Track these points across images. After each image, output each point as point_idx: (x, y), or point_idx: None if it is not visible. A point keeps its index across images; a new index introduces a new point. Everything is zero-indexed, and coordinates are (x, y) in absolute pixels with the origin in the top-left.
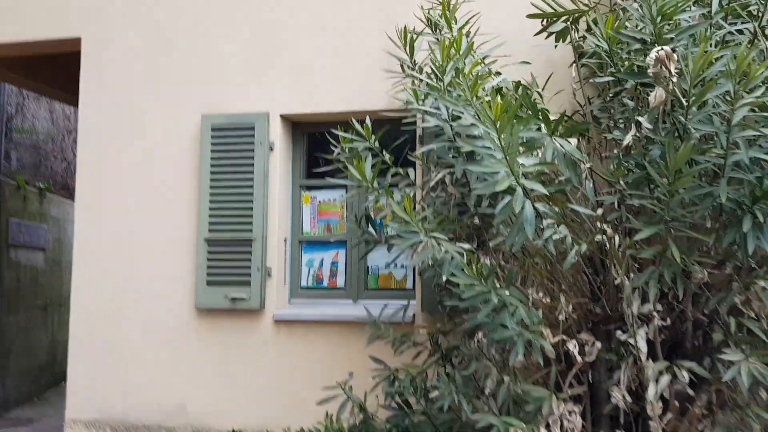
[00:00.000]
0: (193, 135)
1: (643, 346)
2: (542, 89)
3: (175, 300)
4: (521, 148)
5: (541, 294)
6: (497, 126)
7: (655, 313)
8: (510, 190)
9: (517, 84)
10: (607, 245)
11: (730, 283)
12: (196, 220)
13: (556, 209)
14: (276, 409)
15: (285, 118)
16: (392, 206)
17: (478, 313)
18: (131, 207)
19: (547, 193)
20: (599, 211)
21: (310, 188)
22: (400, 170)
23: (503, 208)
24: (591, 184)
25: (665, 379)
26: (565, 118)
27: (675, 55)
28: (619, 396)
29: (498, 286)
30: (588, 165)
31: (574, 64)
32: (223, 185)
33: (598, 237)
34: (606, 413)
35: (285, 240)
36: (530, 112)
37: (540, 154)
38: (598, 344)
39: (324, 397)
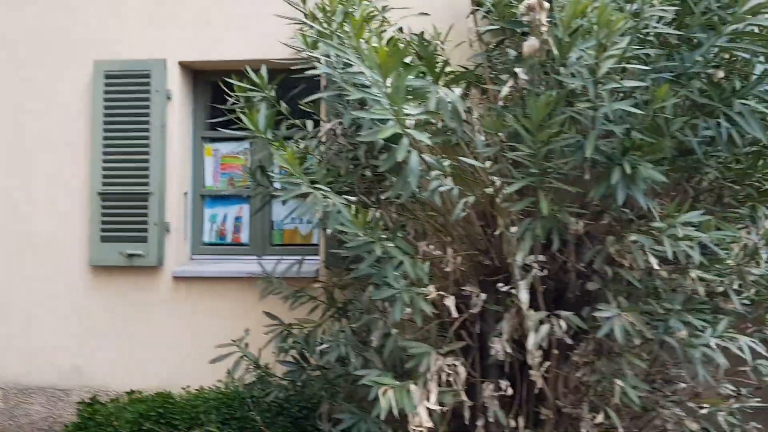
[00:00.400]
0: (85, 83)
1: (524, 297)
2: (443, 40)
3: (68, 257)
4: (409, 97)
5: (432, 246)
6: (383, 71)
7: (534, 264)
8: (395, 139)
9: (420, 35)
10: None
11: (608, 235)
12: (89, 172)
13: (446, 162)
14: (175, 368)
15: (184, 66)
16: (276, 157)
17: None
18: (19, 159)
19: (430, 143)
20: (488, 164)
21: (212, 140)
22: (297, 121)
23: (388, 157)
24: (482, 136)
25: (544, 328)
26: (462, 68)
27: (546, 4)
28: (498, 347)
29: (384, 237)
30: (476, 116)
31: (471, 15)
32: (117, 136)
33: (488, 189)
34: (492, 363)
35: (185, 194)
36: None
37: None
38: (483, 296)
39: (218, 355)
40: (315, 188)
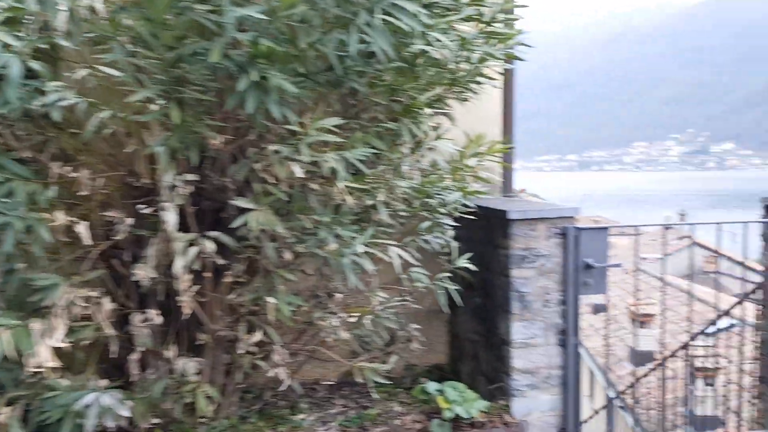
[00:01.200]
0: None
1: (170, 219)
2: None
3: None
4: None
5: (69, 168)
6: None
7: (179, 183)
8: None
9: None
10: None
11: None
12: None
13: (85, 71)
14: None
15: None
16: None
17: None
18: None
19: (17, 45)
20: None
21: None
22: None
23: None
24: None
25: (192, 251)
26: None
27: None
28: (141, 274)
29: None
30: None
31: None
32: None
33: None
34: (147, 292)
35: None
36: None
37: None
38: (130, 220)
39: None
40: None
